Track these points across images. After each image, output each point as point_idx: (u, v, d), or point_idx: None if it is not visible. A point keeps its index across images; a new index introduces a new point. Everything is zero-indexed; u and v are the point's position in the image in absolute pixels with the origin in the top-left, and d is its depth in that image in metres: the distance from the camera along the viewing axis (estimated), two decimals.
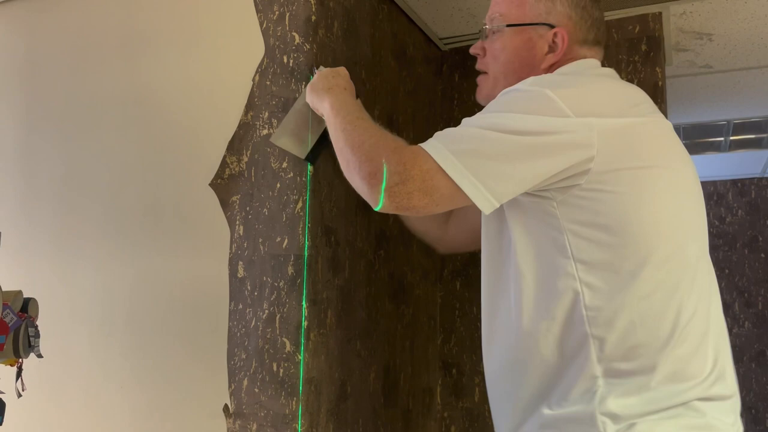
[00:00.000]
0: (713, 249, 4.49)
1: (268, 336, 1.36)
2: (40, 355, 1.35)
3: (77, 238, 1.63)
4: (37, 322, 1.35)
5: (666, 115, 1.93)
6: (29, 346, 1.31)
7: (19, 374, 1.33)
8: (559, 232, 1.06)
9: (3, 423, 1.26)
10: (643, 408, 1.02)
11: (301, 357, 1.33)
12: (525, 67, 1.21)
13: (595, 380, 1.04)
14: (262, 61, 1.45)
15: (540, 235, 1.09)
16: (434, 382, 2.02)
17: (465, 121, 1.10)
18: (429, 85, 2.06)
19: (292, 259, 1.36)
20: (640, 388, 1.02)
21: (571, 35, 1.20)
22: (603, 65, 1.24)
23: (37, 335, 1.33)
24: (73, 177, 1.66)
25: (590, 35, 1.22)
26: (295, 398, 1.32)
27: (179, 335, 1.47)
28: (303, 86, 1.39)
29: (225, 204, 1.45)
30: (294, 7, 1.42)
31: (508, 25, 1.23)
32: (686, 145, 1.19)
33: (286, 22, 1.43)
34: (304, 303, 1.34)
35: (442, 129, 1.11)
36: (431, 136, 1.10)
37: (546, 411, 1.08)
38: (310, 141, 1.37)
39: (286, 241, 1.37)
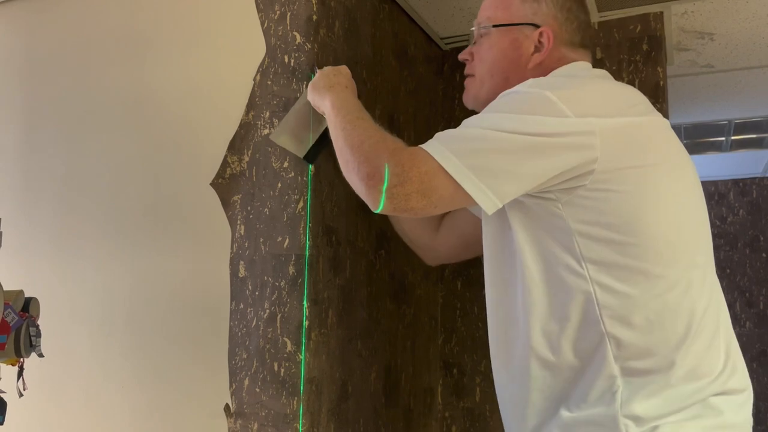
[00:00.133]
0: (714, 249, 4.48)
1: (269, 336, 1.36)
2: (41, 355, 1.35)
3: (78, 237, 1.63)
4: (38, 322, 1.36)
5: (667, 115, 1.94)
6: (30, 345, 1.31)
7: (20, 374, 1.33)
8: (566, 233, 1.07)
9: (4, 423, 1.26)
10: (664, 408, 1.02)
11: (302, 357, 1.33)
12: (511, 67, 1.23)
13: (613, 380, 1.04)
14: (263, 60, 1.45)
15: (546, 237, 1.09)
16: (435, 382, 2.02)
17: (465, 122, 1.10)
18: (430, 85, 2.06)
19: (293, 258, 1.36)
20: (661, 387, 1.03)
21: (556, 35, 1.22)
22: (603, 66, 1.25)
23: (38, 335, 1.33)
24: (74, 177, 1.66)
25: (576, 37, 1.24)
26: (296, 398, 1.32)
27: (180, 335, 1.47)
28: (304, 86, 1.39)
29: (226, 203, 1.45)
30: (295, 7, 1.42)
31: (495, 26, 1.24)
32: (687, 145, 1.19)
33: (287, 22, 1.43)
34: (305, 303, 1.34)
35: (443, 128, 1.11)
36: (432, 136, 1.10)
37: (565, 413, 1.08)
38: (311, 140, 1.37)
39: (287, 240, 1.37)
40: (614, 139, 1.03)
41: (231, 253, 1.43)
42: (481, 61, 1.27)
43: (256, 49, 1.45)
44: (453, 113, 2.13)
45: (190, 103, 1.52)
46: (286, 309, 1.35)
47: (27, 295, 1.35)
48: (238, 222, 1.43)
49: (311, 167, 1.37)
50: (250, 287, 1.40)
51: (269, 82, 1.43)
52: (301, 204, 1.37)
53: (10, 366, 1.32)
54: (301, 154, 1.37)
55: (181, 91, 1.54)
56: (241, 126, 1.45)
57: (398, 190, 1.04)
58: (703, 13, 2.01)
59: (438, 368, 2.05)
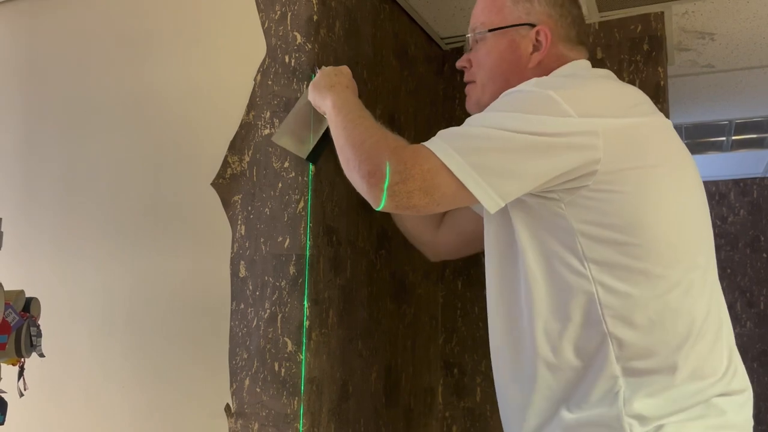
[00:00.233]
0: (715, 249, 4.48)
1: (269, 336, 1.36)
2: (42, 355, 1.35)
3: (78, 237, 1.63)
4: (39, 322, 1.36)
5: (668, 115, 1.93)
6: (31, 345, 1.31)
7: (21, 374, 1.33)
8: (569, 232, 1.06)
9: (5, 423, 1.26)
10: (668, 408, 1.02)
11: (302, 356, 1.33)
12: (512, 69, 1.22)
13: (615, 380, 1.04)
14: (264, 60, 1.45)
15: (549, 236, 1.09)
16: (436, 381, 2.02)
17: (469, 120, 1.10)
18: (430, 85, 2.06)
19: (294, 258, 1.36)
20: (665, 387, 1.03)
21: (553, 32, 1.21)
22: (604, 66, 1.25)
23: (39, 335, 1.33)
24: (74, 177, 1.66)
25: (572, 32, 1.24)
26: (296, 398, 1.32)
27: (180, 335, 1.47)
28: (305, 86, 1.39)
29: (226, 204, 1.45)
30: (296, 7, 1.42)
31: (490, 30, 1.23)
32: (688, 145, 1.19)
33: (288, 22, 1.43)
34: (305, 303, 1.34)
35: (443, 128, 1.11)
36: (433, 136, 1.10)
37: (566, 414, 1.08)
38: (312, 140, 1.37)
39: (287, 240, 1.37)
40: (617, 140, 1.03)
41: (231, 253, 1.43)
42: (480, 67, 1.26)
43: (257, 49, 1.45)
44: (453, 113, 2.13)
45: (190, 103, 1.52)
46: (286, 309, 1.35)
47: (28, 295, 1.35)
48: (239, 222, 1.43)
49: (312, 167, 1.37)
50: (250, 287, 1.40)
51: (270, 82, 1.44)
52: (301, 204, 1.37)
53: (11, 366, 1.32)
54: (304, 154, 1.37)
55: (181, 91, 1.54)
56: (241, 126, 1.45)
57: (400, 188, 1.04)
58: (703, 13, 2.01)
59: (438, 368, 2.05)
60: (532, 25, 1.21)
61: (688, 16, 2.02)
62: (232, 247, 1.43)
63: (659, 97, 1.89)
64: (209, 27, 1.52)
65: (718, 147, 3.69)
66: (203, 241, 1.47)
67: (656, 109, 1.16)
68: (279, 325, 1.36)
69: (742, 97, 2.79)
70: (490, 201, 1.03)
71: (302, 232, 1.36)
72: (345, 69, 1.35)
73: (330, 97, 1.26)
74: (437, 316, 2.06)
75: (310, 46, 1.40)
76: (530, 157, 1.02)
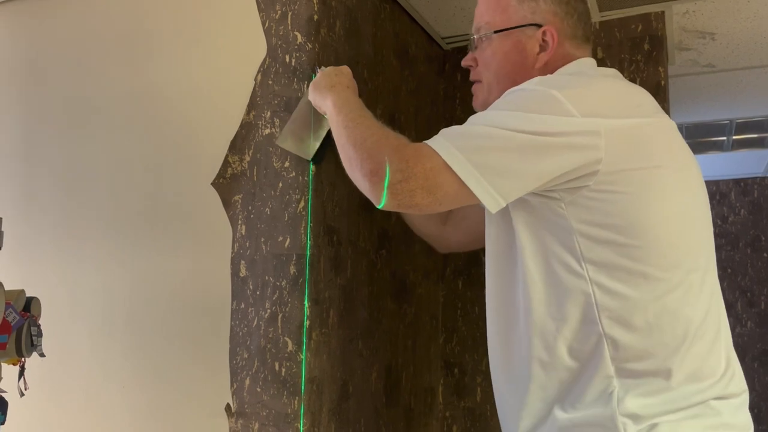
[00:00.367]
0: (716, 249, 4.48)
1: (270, 335, 1.36)
2: (42, 355, 1.35)
3: (79, 237, 1.63)
4: (40, 322, 1.36)
5: (668, 115, 1.93)
6: (32, 345, 1.31)
7: (21, 373, 1.33)
8: (568, 232, 1.06)
9: (5, 422, 1.26)
10: (663, 407, 1.02)
11: (303, 356, 1.33)
12: (518, 70, 1.21)
13: (609, 381, 1.04)
14: (264, 60, 1.45)
15: (548, 236, 1.09)
16: (436, 381, 2.02)
17: (471, 119, 1.09)
18: (431, 85, 2.06)
19: (294, 258, 1.36)
20: (660, 389, 1.02)
21: (560, 31, 1.20)
22: (604, 65, 1.24)
23: (39, 334, 1.33)
24: (74, 177, 1.66)
25: (578, 30, 1.22)
26: (297, 397, 1.32)
27: (181, 335, 1.47)
28: (305, 86, 1.39)
29: (227, 203, 1.45)
30: (296, 7, 1.42)
31: (496, 32, 1.22)
32: (689, 145, 1.19)
33: (288, 22, 1.43)
34: (306, 302, 1.34)
35: (444, 128, 1.11)
36: (434, 135, 1.10)
37: (561, 414, 1.08)
38: (314, 141, 1.37)
39: (288, 240, 1.37)
40: (619, 141, 1.03)
41: (232, 252, 1.43)
42: (486, 68, 1.25)
43: (257, 48, 1.45)
44: (454, 113, 2.13)
45: (191, 102, 1.52)
46: (287, 309, 1.35)
47: (28, 294, 1.35)
48: (239, 222, 1.43)
49: (312, 167, 1.37)
50: (251, 287, 1.40)
51: (270, 82, 1.43)
52: (302, 204, 1.37)
53: (12, 365, 1.33)
54: (309, 156, 1.36)
55: (182, 90, 1.54)
56: (242, 126, 1.45)
57: (402, 187, 1.03)
58: (704, 13, 2.00)
59: (439, 368, 2.05)
60: (538, 25, 1.20)
61: (688, 15, 2.02)
62: (233, 247, 1.43)
63: (660, 96, 1.89)
64: (209, 27, 1.52)
65: (718, 147, 3.69)
66: (204, 240, 1.47)
67: (660, 109, 1.15)
68: (279, 324, 1.36)
69: (742, 96, 2.79)
70: (491, 200, 1.03)
71: (303, 231, 1.36)
72: (345, 69, 1.35)
73: (330, 97, 1.25)
74: (438, 316, 2.06)
75: (310, 46, 1.40)
76: (532, 157, 1.02)
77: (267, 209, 1.40)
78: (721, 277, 4.64)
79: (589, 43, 1.25)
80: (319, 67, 1.39)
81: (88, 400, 1.55)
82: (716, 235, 4.69)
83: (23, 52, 1.80)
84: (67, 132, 1.69)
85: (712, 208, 4.82)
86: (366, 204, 1.13)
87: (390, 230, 1.69)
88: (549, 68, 1.19)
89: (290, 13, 1.43)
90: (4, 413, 1.27)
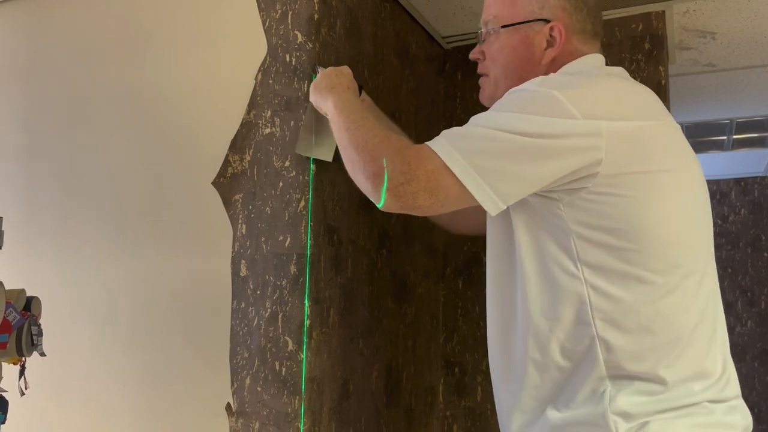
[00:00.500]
0: (716, 248, 4.48)
1: (270, 335, 1.36)
2: (43, 354, 1.35)
3: (79, 237, 1.63)
4: (40, 321, 1.36)
5: None
6: (32, 344, 1.31)
7: (22, 373, 1.33)
8: (565, 233, 1.06)
9: (6, 421, 1.26)
10: (655, 407, 1.02)
11: (303, 356, 1.33)
12: (525, 66, 1.20)
13: (602, 381, 1.04)
14: (265, 59, 1.45)
15: (545, 236, 1.08)
16: (436, 380, 2.02)
17: (473, 120, 1.09)
18: (431, 84, 2.06)
19: (295, 257, 1.36)
20: (653, 391, 1.02)
21: (567, 27, 1.19)
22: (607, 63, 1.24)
23: (40, 334, 1.33)
24: (75, 176, 1.66)
25: (587, 25, 1.21)
26: (297, 397, 1.32)
27: (181, 334, 1.47)
28: (306, 86, 1.39)
29: (227, 203, 1.45)
30: (296, 6, 1.42)
31: (503, 26, 1.22)
32: (689, 144, 1.18)
33: (289, 21, 1.43)
34: (306, 302, 1.34)
35: (444, 128, 1.11)
36: (434, 135, 1.10)
37: (553, 414, 1.08)
38: (330, 141, 1.36)
39: (288, 239, 1.37)
40: (621, 143, 1.02)
41: (232, 252, 1.43)
42: (493, 62, 1.24)
43: (258, 48, 1.45)
44: (454, 112, 2.13)
45: (191, 102, 1.52)
46: (287, 308, 1.35)
47: (28, 294, 1.35)
48: (240, 221, 1.43)
49: (312, 166, 1.37)
50: (251, 286, 1.40)
51: (271, 81, 1.43)
52: (302, 203, 1.37)
53: (12, 365, 1.33)
54: (329, 157, 1.36)
55: (182, 90, 1.54)
56: (242, 125, 1.45)
57: (405, 188, 1.03)
58: (705, 12, 2.00)
59: (439, 367, 2.05)
60: (546, 20, 1.19)
61: (689, 14, 2.02)
62: (233, 246, 1.43)
63: (660, 96, 1.88)
64: (210, 26, 1.52)
65: (719, 146, 3.69)
66: (204, 240, 1.47)
67: (666, 110, 1.14)
68: (280, 324, 1.36)
69: (743, 96, 2.79)
70: (491, 204, 1.03)
71: (303, 231, 1.36)
72: (346, 69, 1.34)
73: (331, 99, 1.25)
74: (438, 315, 2.06)
75: (311, 45, 1.40)
76: (532, 161, 1.01)
77: (267, 208, 1.40)
78: (722, 277, 4.65)
79: (599, 38, 1.23)
80: (320, 67, 1.38)
81: (89, 399, 1.56)
82: (716, 235, 4.70)
83: (24, 51, 1.79)
84: (67, 132, 1.69)
85: (713, 208, 4.79)
86: (366, 203, 1.13)
87: (390, 230, 1.69)
88: (556, 64, 1.18)
89: (291, 13, 1.43)
90: (5, 412, 1.27)
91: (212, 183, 1.47)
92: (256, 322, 1.38)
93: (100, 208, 1.61)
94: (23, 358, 1.32)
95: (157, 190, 1.54)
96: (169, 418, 1.46)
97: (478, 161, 1.02)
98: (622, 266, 1.03)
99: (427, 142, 1.07)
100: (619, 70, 1.20)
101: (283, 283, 1.36)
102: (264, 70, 1.44)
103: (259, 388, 1.36)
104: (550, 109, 1.02)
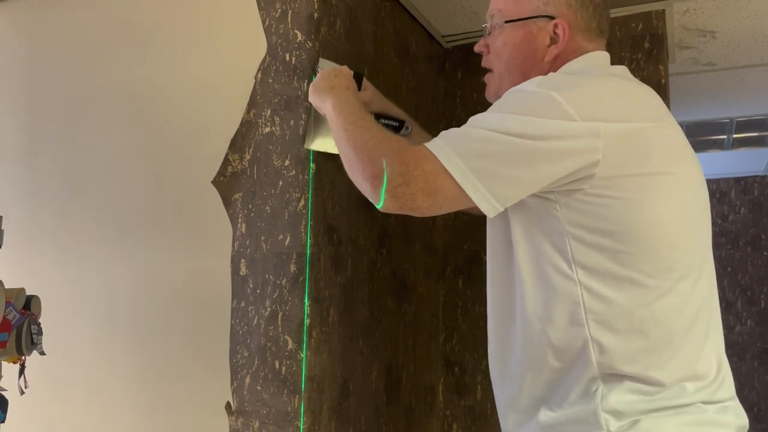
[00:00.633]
0: (716, 247, 4.49)
1: (270, 334, 1.36)
2: (42, 353, 1.35)
3: (79, 236, 1.63)
4: (40, 320, 1.36)
5: None
6: (32, 343, 1.31)
7: (21, 371, 1.34)
8: (560, 234, 1.06)
9: (5, 420, 1.26)
10: (646, 406, 1.02)
11: (303, 355, 1.33)
12: (528, 62, 1.20)
13: (594, 381, 1.04)
14: (265, 58, 1.44)
15: (541, 236, 1.08)
16: (436, 380, 2.02)
17: (471, 120, 1.09)
18: (431, 83, 2.06)
19: (295, 256, 1.36)
20: (645, 392, 1.02)
21: (572, 25, 1.18)
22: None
23: (39, 333, 1.33)
24: (75, 175, 1.66)
25: (593, 23, 1.20)
26: (297, 396, 1.32)
27: (181, 333, 1.47)
28: (306, 85, 1.39)
29: (227, 202, 1.45)
30: (296, 5, 1.42)
31: (507, 21, 1.22)
32: (689, 143, 1.17)
33: (289, 20, 1.43)
34: (306, 301, 1.34)
35: (444, 127, 1.11)
36: (434, 134, 1.10)
37: (546, 413, 1.08)
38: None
39: (288, 238, 1.37)
40: (619, 145, 1.02)
41: (232, 251, 1.43)
42: (497, 57, 1.24)
43: (258, 47, 1.45)
44: (454, 111, 2.13)
45: (191, 101, 1.52)
46: (287, 307, 1.35)
47: (28, 293, 1.35)
48: (240, 220, 1.43)
49: (312, 166, 1.37)
50: (251, 285, 1.40)
51: (270, 80, 1.43)
52: (302, 202, 1.37)
53: (12, 364, 1.33)
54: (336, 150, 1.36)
55: (182, 89, 1.54)
56: (242, 124, 1.45)
57: (404, 190, 1.03)
58: (705, 11, 2.00)
59: (439, 366, 2.05)
60: (550, 17, 1.18)
61: (689, 13, 2.02)
62: (233, 246, 1.43)
63: (660, 95, 1.87)
64: (210, 25, 1.52)
65: (719, 145, 3.69)
66: (204, 239, 1.47)
67: (666, 110, 1.13)
68: (280, 323, 1.36)
69: (743, 95, 2.79)
70: (488, 206, 1.03)
71: (303, 230, 1.36)
72: (345, 70, 1.34)
73: (330, 99, 1.25)
74: (438, 315, 2.06)
75: (310, 44, 1.40)
76: (530, 163, 1.01)
77: (267, 207, 1.40)
78: (721, 276, 4.65)
79: (604, 35, 1.22)
80: (321, 62, 1.38)
81: (90, 397, 1.56)
82: (716, 234, 4.71)
83: (24, 51, 1.79)
84: (67, 131, 1.69)
85: (713, 207, 4.82)
86: (366, 202, 1.13)
87: (390, 229, 1.69)
88: (559, 61, 1.18)
89: (290, 12, 1.43)
90: (4, 411, 1.27)
91: (212, 182, 1.47)
92: (255, 321, 1.39)
93: (101, 207, 1.61)
94: (23, 357, 1.32)
95: (157, 189, 1.54)
96: (169, 416, 1.46)
97: (476, 164, 1.02)
98: (617, 268, 1.03)
99: (425, 144, 1.07)
100: (621, 70, 1.20)
101: (283, 282, 1.36)
102: (264, 69, 1.44)
103: (259, 387, 1.37)
104: (548, 110, 1.02)
